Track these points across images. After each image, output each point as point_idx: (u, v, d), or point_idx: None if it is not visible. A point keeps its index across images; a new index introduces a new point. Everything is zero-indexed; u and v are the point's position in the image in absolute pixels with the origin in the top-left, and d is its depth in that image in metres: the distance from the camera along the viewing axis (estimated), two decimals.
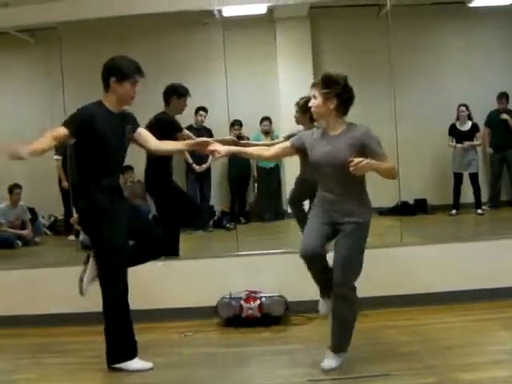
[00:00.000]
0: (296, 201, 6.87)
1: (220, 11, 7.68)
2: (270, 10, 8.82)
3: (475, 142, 9.75)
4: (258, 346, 5.60)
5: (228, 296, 6.20)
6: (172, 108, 6.76)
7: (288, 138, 6.21)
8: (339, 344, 4.82)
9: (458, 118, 9.77)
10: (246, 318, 6.10)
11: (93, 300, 6.49)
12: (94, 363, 5.31)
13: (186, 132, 6.84)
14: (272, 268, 6.47)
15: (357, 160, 4.31)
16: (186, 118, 9.17)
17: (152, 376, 5.00)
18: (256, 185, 10.06)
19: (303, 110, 6.57)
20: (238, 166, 9.74)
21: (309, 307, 6.22)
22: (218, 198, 9.95)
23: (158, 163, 6.64)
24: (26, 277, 6.69)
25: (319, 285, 4.96)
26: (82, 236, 8.27)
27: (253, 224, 9.65)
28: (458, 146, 9.70)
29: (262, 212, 9.93)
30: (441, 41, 9.97)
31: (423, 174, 9.80)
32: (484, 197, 9.74)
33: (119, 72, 4.83)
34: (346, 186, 4.61)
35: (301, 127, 6.62)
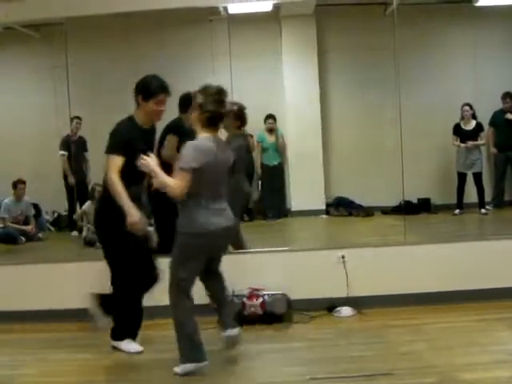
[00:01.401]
0: None
1: (226, 8, 7.69)
2: (276, 7, 8.82)
3: (479, 142, 9.73)
4: (260, 343, 5.60)
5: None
6: (190, 115, 6.67)
7: None
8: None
9: (462, 118, 9.75)
10: (249, 315, 6.11)
11: None
12: (96, 359, 5.33)
13: None
14: (275, 266, 6.47)
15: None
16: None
17: (153, 373, 5.01)
18: (260, 182, 10.06)
19: None
20: None
21: (311, 305, 6.24)
22: None
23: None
24: (29, 272, 6.69)
25: None
26: (85, 232, 8.30)
27: (256, 222, 9.64)
28: (462, 145, 9.69)
29: (265, 210, 9.93)
30: (446, 40, 9.95)
31: (427, 173, 9.78)
32: (488, 196, 9.72)
33: (145, 90, 5.09)
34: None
35: None
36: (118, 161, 4.97)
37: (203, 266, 4.89)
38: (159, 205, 6.78)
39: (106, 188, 5.07)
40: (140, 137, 5.13)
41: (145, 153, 4.92)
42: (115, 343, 5.43)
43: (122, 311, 5.35)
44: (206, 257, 4.86)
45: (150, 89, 5.07)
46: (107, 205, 5.10)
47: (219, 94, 4.76)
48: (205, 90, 4.75)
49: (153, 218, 6.67)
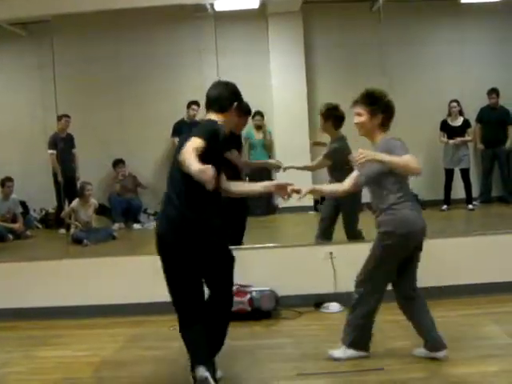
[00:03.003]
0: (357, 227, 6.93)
1: (212, 5, 7.69)
2: (263, 4, 8.81)
3: (466, 138, 9.76)
4: (248, 340, 5.61)
5: None
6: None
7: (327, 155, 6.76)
8: None
9: (449, 114, 9.77)
10: (237, 312, 6.10)
11: (85, 293, 6.53)
12: (86, 356, 5.34)
13: (234, 152, 6.49)
14: (263, 262, 6.48)
15: (360, 150, 4.38)
16: (178, 113, 9.21)
17: (141, 370, 5.01)
18: (247, 179, 10.05)
19: (325, 117, 6.84)
20: None
21: (299, 301, 6.26)
22: None
23: None
24: (18, 270, 6.68)
25: None
26: (72, 229, 8.29)
27: None
28: (450, 141, 9.71)
29: (253, 206, 9.91)
30: (433, 37, 9.98)
31: None
32: (475, 192, 9.76)
33: (235, 100, 4.56)
34: (379, 197, 4.69)
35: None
36: (199, 143, 4.10)
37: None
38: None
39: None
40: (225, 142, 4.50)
41: (222, 161, 4.51)
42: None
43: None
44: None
45: (237, 100, 4.59)
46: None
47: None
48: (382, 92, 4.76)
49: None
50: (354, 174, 4.91)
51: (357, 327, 4.80)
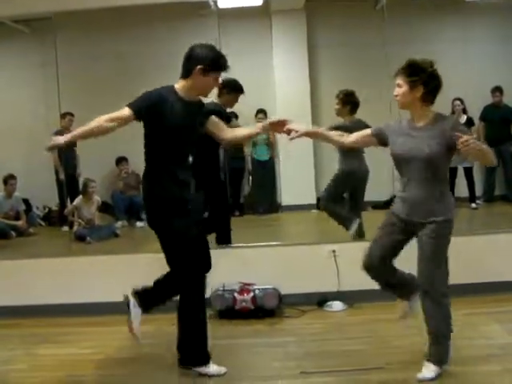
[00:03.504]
0: (333, 198, 7.06)
1: (216, 2, 7.68)
2: (266, 2, 8.82)
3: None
4: (250, 338, 5.61)
5: (221, 288, 6.20)
6: (222, 100, 6.70)
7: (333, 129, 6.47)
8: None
9: (452, 112, 9.75)
10: (240, 310, 6.11)
11: (87, 291, 6.54)
12: (89, 354, 5.34)
13: (236, 122, 6.94)
14: (266, 260, 6.48)
15: (466, 137, 4.07)
16: None
17: (144, 367, 5.01)
18: (250, 177, 10.06)
19: (343, 102, 7.06)
20: (233, 159, 9.72)
21: (302, 300, 6.26)
22: None
23: (209, 158, 6.62)
24: (20, 267, 6.68)
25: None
26: (75, 227, 8.30)
27: (247, 216, 9.64)
28: None
29: (256, 204, 9.93)
30: (437, 35, 9.96)
31: None
32: (478, 191, 9.75)
33: (208, 63, 4.54)
34: (429, 182, 4.38)
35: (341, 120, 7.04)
36: (124, 112, 4.50)
37: None
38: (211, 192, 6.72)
39: (145, 179, 4.71)
40: (184, 115, 4.52)
41: (192, 129, 4.62)
42: (199, 369, 4.80)
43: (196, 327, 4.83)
44: None
45: (214, 63, 4.55)
46: (153, 193, 4.66)
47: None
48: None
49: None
50: (364, 132, 4.75)
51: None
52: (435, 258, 4.42)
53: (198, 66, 4.52)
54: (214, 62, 4.57)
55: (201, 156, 6.00)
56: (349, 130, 6.76)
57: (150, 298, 4.93)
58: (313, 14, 9.62)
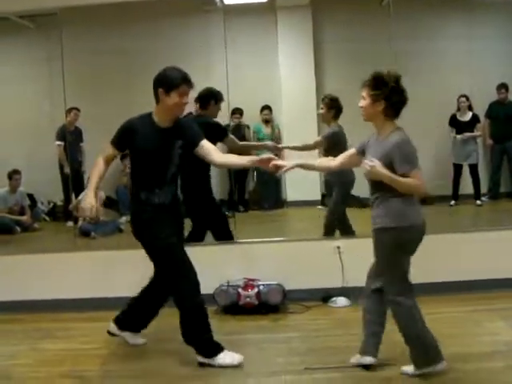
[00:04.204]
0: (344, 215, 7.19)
1: None
2: None
3: (475, 133, 9.73)
4: (255, 333, 5.63)
5: (226, 284, 6.21)
6: (209, 112, 6.74)
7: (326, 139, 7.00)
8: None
9: (458, 109, 9.74)
10: (244, 305, 6.12)
11: (91, 286, 6.55)
12: (92, 349, 5.36)
13: (232, 137, 6.93)
14: (270, 256, 6.48)
15: (372, 163, 4.18)
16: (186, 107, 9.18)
17: (150, 362, 5.02)
18: (255, 173, 10.05)
19: (328, 106, 7.14)
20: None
21: (306, 296, 6.26)
22: (217, 186, 9.95)
23: (199, 176, 6.70)
24: (25, 262, 6.70)
25: None
26: (80, 222, 8.30)
27: (252, 212, 9.63)
28: (458, 136, 9.69)
29: (261, 200, 9.91)
30: (443, 31, 9.94)
31: (423, 164, 9.54)
32: (483, 188, 9.73)
33: (166, 82, 4.78)
34: (380, 192, 4.37)
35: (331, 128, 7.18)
36: (109, 150, 4.93)
37: None
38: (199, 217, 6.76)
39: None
40: (155, 141, 4.79)
41: (164, 159, 4.84)
42: (206, 360, 4.90)
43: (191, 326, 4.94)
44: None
45: (171, 80, 4.76)
46: (138, 208, 4.99)
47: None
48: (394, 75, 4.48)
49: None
50: (349, 152, 4.77)
51: None
52: (381, 263, 4.48)
53: (160, 89, 4.78)
54: (172, 79, 4.78)
55: (191, 173, 6.34)
56: (341, 135, 6.86)
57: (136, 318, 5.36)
58: (318, 10, 9.59)
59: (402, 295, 4.38)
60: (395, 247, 4.32)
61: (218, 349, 4.87)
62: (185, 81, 4.80)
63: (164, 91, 4.76)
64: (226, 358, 4.86)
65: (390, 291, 4.42)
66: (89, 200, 4.71)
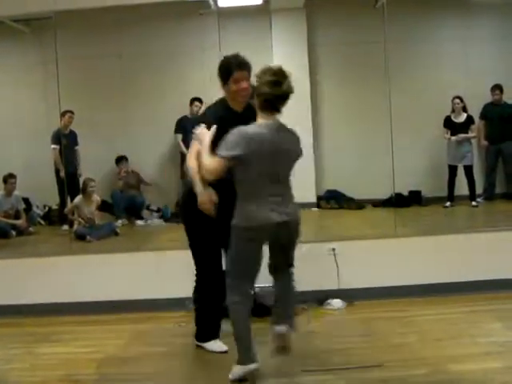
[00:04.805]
0: None
1: (216, 1, 7.68)
2: (266, 0, 8.81)
3: (470, 135, 9.74)
4: None
5: None
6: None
7: None
8: None
9: (452, 110, 9.76)
10: None
11: (88, 290, 6.54)
12: (89, 352, 5.33)
13: None
14: (266, 258, 6.46)
15: None
16: (181, 109, 9.20)
17: (145, 366, 5.01)
18: None
19: None
20: None
21: (302, 298, 6.24)
22: None
23: None
24: (21, 266, 6.69)
25: None
26: (75, 226, 8.30)
27: None
28: (453, 138, 9.70)
29: None
30: (437, 33, 9.98)
31: (418, 165, 9.78)
32: (479, 189, 9.75)
33: (220, 75, 4.84)
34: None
35: None
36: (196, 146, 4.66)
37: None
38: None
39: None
40: (233, 120, 4.61)
41: None
42: (200, 344, 5.24)
43: (204, 309, 5.20)
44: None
45: (224, 70, 4.80)
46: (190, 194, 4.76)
47: (275, 75, 4.54)
48: (260, 71, 4.54)
49: None
50: None
51: None
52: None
53: (220, 82, 4.84)
54: (224, 69, 4.83)
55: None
56: None
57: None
58: (313, 13, 9.61)
59: (229, 293, 4.68)
60: (237, 246, 4.68)
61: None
62: (236, 66, 4.78)
63: (223, 84, 4.81)
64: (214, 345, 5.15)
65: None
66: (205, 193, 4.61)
